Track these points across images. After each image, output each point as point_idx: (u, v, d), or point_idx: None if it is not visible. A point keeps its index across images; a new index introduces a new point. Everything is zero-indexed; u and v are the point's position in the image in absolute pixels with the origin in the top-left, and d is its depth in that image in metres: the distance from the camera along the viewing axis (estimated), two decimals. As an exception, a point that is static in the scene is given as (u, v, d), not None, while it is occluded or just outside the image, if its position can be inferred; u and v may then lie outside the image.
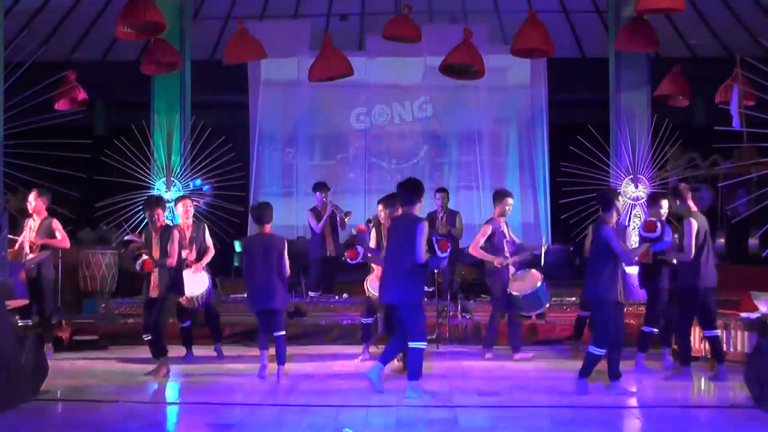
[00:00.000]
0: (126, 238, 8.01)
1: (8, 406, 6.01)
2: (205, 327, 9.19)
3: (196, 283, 8.52)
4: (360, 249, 7.93)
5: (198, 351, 8.90)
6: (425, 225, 6.72)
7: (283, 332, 7.72)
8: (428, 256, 6.67)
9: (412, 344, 6.66)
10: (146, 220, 8.09)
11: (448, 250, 6.70)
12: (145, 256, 7.58)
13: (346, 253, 8.01)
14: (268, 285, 7.57)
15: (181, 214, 8.83)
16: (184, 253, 8.47)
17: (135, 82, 12.60)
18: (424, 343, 6.70)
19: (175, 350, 8.90)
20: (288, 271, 7.73)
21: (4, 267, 8.92)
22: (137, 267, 7.59)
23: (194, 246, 8.68)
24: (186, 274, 8.31)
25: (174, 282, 7.89)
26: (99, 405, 6.43)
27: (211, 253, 8.83)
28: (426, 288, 8.44)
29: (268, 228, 7.74)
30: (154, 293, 7.70)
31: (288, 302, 8.22)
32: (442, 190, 11.18)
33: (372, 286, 8.42)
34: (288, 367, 8.06)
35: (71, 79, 12.00)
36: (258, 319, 7.83)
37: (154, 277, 7.71)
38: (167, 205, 11.31)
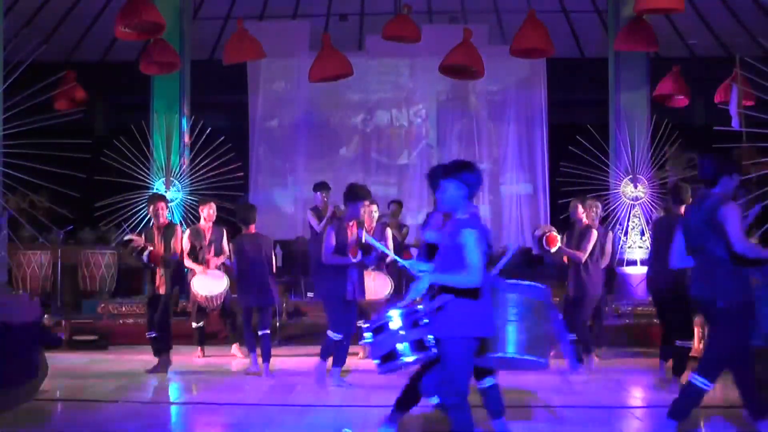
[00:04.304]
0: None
1: (8, 406, 6.01)
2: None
3: (214, 283, 8.56)
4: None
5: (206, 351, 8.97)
6: (332, 229, 7.15)
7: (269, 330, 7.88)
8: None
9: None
10: (147, 219, 8.17)
11: (357, 255, 7.08)
12: (150, 248, 7.75)
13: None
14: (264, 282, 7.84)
15: (205, 216, 8.88)
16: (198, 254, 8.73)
17: (135, 82, 12.61)
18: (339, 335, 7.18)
19: (187, 350, 8.94)
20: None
21: (4, 267, 8.94)
22: (144, 259, 7.71)
23: (212, 247, 8.73)
24: (205, 274, 8.55)
25: (179, 278, 8.03)
26: (99, 405, 6.43)
27: (226, 256, 8.82)
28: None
29: (253, 228, 7.97)
30: (161, 290, 7.80)
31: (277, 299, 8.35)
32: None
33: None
34: (288, 366, 8.07)
35: (71, 79, 12.02)
36: (245, 320, 7.92)
37: (160, 274, 7.81)
38: (167, 204, 11.35)
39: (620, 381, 7.51)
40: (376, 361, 4.23)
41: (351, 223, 7.22)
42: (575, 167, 11.69)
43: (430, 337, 4.20)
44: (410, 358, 4.17)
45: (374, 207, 8.63)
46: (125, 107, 15.35)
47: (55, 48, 13.90)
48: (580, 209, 8.11)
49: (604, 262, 8.39)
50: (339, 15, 15.18)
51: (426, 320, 4.21)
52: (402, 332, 4.18)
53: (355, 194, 7.15)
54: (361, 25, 15.45)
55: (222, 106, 15.23)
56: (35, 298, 7.87)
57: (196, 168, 12.11)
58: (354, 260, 7.18)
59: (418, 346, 4.18)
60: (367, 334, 4.26)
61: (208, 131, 12.16)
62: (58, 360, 8.34)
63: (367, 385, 6.94)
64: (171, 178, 12.03)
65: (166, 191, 11.83)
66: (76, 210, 11.21)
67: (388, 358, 4.19)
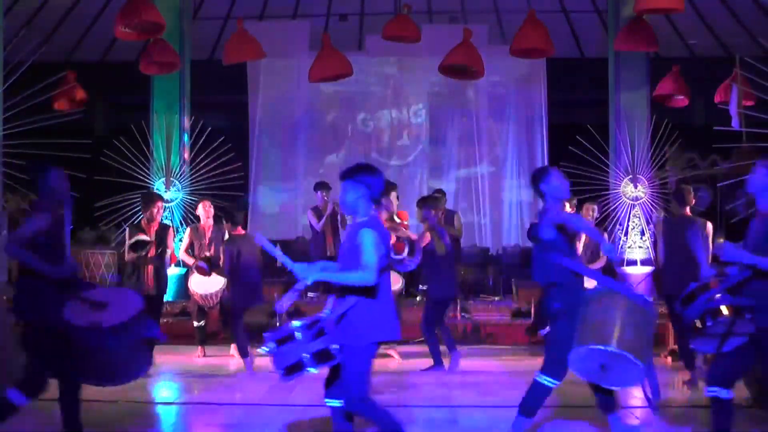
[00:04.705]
0: (137, 239, 8.02)
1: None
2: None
3: (211, 281, 8.58)
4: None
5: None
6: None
7: None
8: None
9: None
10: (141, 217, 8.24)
11: (403, 252, 6.84)
12: (169, 249, 7.83)
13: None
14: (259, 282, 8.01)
15: (202, 215, 8.99)
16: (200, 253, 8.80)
17: (135, 82, 12.61)
18: None
19: (188, 350, 8.95)
20: None
21: (4, 267, 8.92)
22: (167, 261, 7.76)
23: (213, 245, 8.77)
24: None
25: (166, 278, 8.09)
26: (99, 405, 6.42)
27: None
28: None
29: (241, 229, 8.16)
30: (151, 290, 7.76)
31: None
32: (438, 191, 11.13)
33: None
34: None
35: (71, 79, 12.01)
36: (239, 319, 7.94)
37: (149, 274, 7.80)
38: (165, 204, 11.36)
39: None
40: (280, 372, 4.19)
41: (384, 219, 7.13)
42: (575, 167, 11.66)
43: (335, 345, 4.18)
44: (316, 369, 4.16)
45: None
46: (125, 107, 15.35)
47: (55, 48, 13.89)
48: (567, 208, 8.07)
49: (600, 263, 8.41)
50: (339, 15, 15.17)
51: (330, 328, 4.20)
52: (307, 343, 4.13)
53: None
54: (361, 25, 15.44)
55: (222, 106, 15.22)
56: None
57: (196, 168, 12.11)
58: (398, 257, 7.01)
59: (323, 355, 4.16)
60: (270, 344, 4.21)
61: (208, 131, 12.17)
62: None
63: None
64: (171, 178, 12.03)
65: (166, 191, 11.84)
66: (76, 210, 11.18)
67: (294, 369, 4.16)
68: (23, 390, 4.97)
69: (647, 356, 4.63)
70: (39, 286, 4.91)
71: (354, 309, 4.22)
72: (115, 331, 4.76)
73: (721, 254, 4.45)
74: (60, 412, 4.98)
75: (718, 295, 4.33)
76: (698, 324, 4.43)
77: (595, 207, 8.61)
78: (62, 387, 5.04)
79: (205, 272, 8.56)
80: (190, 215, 11.75)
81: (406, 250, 7.11)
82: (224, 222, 8.33)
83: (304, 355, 4.10)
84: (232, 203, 9.37)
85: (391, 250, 7.04)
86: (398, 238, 7.90)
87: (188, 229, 9.12)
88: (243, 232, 8.16)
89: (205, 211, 8.97)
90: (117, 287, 7.58)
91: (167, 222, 10.32)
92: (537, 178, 5.13)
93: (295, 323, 4.16)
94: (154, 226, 7.99)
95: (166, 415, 6.47)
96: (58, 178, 5.10)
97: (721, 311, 4.28)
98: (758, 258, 4.36)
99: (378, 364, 8.13)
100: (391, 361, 8.38)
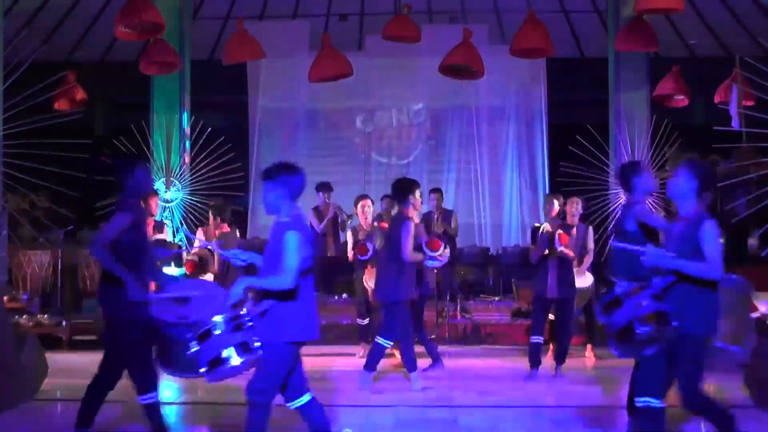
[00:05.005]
0: (155, 238, 8.00)
1: (8, 406, 6.02)
2: None
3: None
4: (370, 246, 8.01)
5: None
6: (411, 224, 6.84)
7: None
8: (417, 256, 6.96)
9: (378, 339, 6.98)
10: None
11: (440, 249, 6.88)
12: (183, 250, 7.85)
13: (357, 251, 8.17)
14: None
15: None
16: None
17: (135, 82, 12.61)
18: (389, 343, 6.97)
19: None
20: None
21: (4, 267, 8.94)
22: (184, 261, 7.80)
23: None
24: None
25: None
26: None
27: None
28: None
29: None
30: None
31: None
32: (436, 190, 11.10)
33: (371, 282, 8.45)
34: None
35: (71, 79, 12.02)
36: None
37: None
38: (166, 205, 11.37)
39: (620, 381, 7.50)
40: (203, 369, 4.19)
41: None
42: (575, 167, 11.67)
43: (255, 338, 4.21)
44: (237, 361, 4.16)
45: (368, 202, 8.63)
46: (125, 107, 15.34)
47: (55, 48, 13.90)
48: (556, 206, 8.02)
49: (589, 259, 8.41)
50: (339, 15, 15.17)
51: (250, 323, 4.22)
52: (226, 336, 4.15)
53: (407, 187, 7.05)
54: (361, 25, 15.44)
55: (222, 106, 15.22)
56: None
57: (197, 168, 12.11)
58: (436, 254, 7.01)
59: (243, 348, 4.17)
60: (192, 344, 4.23)
61: (208, 131, 12.17)
62: (58, 360, 8.34)
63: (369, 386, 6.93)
64: (171, 178, 12.03)
65: (166, 191, 11.84)
66: (76, 210, 11.19)
67: (215, 364, 4.16)
68: (144, 391, 4.97)
69: (744, 335, 4.69)
70: (122, 287, 4.87)
71: (274, 308, 4.26)
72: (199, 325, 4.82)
73: (644, 259, 4.43)
74: (80, 405, 4.97)
75: (645, 302, 4.31)
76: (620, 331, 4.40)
77: (580, 201, 8.52)
78: (97, 383, 5.01)
79: (194, 266, 8.56)
80: (190, 215, 11.76)
81: (442, 247, 7.14)
82: (214, 218, 8.33)
83: (224, 350, 4.12)
84: (230, 202, 9.41)
85: (426, 247, 7.10)
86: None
87: (199, 230, 9.17)
88: (228, 229, 8.17)
89: None
90: (200, 280, 7.56)
91: (166, 221, 10.33)
92: (629, 171, 5.23)
93: (217, 318, 4.18)
94: (152, 222, 8.03)
95: (166, 415, 6.46)
96: (144, 175, 5.05)
97: (648, 318, 4.27)
98: (681, 263, 4.35)
99: (379, 363, 8.19)
100: (393, 360, 8.38)
